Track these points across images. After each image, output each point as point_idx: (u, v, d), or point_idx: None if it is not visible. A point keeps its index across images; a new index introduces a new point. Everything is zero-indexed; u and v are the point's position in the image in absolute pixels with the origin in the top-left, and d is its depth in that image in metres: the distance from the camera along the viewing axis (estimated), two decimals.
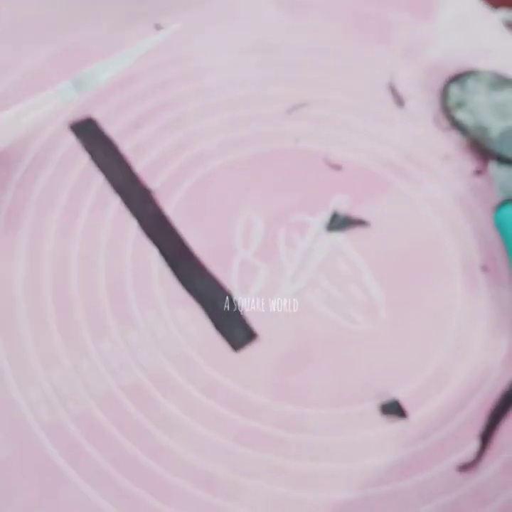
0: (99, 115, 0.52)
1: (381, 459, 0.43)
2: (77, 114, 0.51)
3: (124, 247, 0.47)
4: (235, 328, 0.45)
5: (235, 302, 0.46)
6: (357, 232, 0.50)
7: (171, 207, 0.49)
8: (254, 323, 0.46)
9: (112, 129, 0.51)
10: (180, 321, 0.45)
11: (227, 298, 0.46)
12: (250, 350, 0.45)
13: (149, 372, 0.43)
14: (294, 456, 0.42)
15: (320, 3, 0.60)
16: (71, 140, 0.50)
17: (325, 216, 0.50)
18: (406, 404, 0.44)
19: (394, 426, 0.44)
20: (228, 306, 0.46)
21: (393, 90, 0.56)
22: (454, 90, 0.57)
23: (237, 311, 0.46)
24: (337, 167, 0.52)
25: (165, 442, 0.42)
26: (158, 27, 0.56)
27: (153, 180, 0.50)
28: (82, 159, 0.50)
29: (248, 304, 0.46)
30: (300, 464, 0.42)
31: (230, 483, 0.41)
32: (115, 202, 0.49)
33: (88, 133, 0.51)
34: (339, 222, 0.50)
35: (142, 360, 0.44)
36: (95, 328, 0.44)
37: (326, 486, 0.42)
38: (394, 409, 0.44)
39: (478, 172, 0.53)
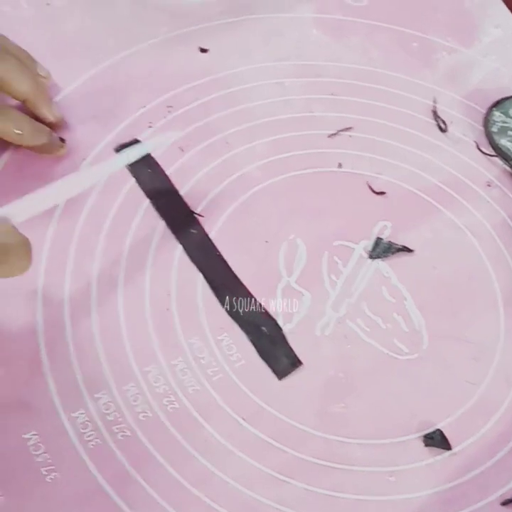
0: (144, 139, 0.52)
1: (424, 491, 0.42)
2: (123, 137, 0.52)
3: (169, 272, 0.47)
4: (279, 356, 0.45)
5: (280, 329, 0.46)
6: (400, 259, 0.49)
7: (214, 231, 0.49)
8: (296, 348, 0.46)
9: (156, 152, 0.51)
10: (224, 348, 0.45)
11: (271, 324, 0.46)
12: (293, 377, 0.45)
13: (193, 398, 0.43)
14: (338, 488, 0.42)
15: (364, 27, 0.60)
16: None
17: (368, 243, 0.50)
18: (450, 436, 0.44)
19: (437, 458, 0.43)
20: (273, 334, 0.46)
21: (436, 115, 0.56)
22: (497, 116, 0.56)
23: (282, 339, 0.46)
24: (380, 193, 0.52)
25: (209, 469, 0.42)
26: (202, 50, 0.57)
27: (197, 204, 0.50)
28: (128, 182, 0.50)
29: (291, 331, 0.46)
30: (344, 495, 0.42)
31: None
32: (160, 226, 0.49)
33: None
34: (382, 250, 0.49)
35: (186, 386, 0.44)
36: (141, 354, 0.44)
37: None
38: (438, 441, 0.44)
39: None
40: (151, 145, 0.48)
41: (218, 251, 0.48)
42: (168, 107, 0.54)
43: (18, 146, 0.50)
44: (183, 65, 0.56)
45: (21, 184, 0.48)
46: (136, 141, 0.51)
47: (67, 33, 0.56)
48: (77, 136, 0.51)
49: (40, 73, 0.51)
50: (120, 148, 0.51)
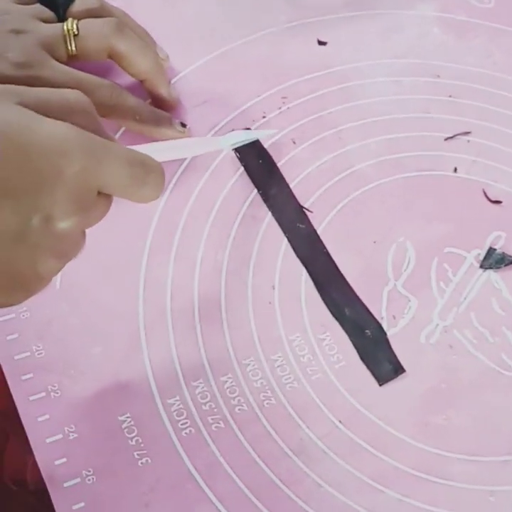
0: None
1: None
2: (234, 125, 0.51)
3: (273, 265, 0.46)
4: (382, 361, 0.44)
5: (384, 333, 0.45)
6: None
7: (322, 227, 0.48)
8: (399, 354, 0.44)
9: (267, 143, 0.50)
10: (325, 347, 0.44)
11: (376, 327, 0.45)
12: (394, 384, 0.43)
13: (290, 396, 0.42)
14: (433, 502, 0.40)
15: (488, 30, 0.58)
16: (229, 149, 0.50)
17: (480, 252, 0.48)
18: None
19: None
20: (376, 337, 0.44)
21: None
22: None
23: (386, 343, 0.44)
24: (496, 201, 0.50)
25: (302, 469, 0.41)
26: (320, 43, 0.55)
27: (306, 199, 0.49)
28: (237, 171, 0.49)
29: (394, 336, 0.45)
30: (439, 510, 0.40)
31: None
32: (267, 217, 0.48)
33: (245, 146, 0.50)
34: (495, 260, 0.47)
35: (284, 383, 0.43)
36: (240, 346, 0.44)
37: None
38: None
39: None
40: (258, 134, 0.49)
41: (325, 247, 0.47)
42: (283, 98, 0.53)
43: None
44: (300, 56, 0.55)
45: None
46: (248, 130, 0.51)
47: (186, 16, 0.55)
48: (190, 120, 0.51)
49: (160, 54, 0.51)
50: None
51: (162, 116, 0.48)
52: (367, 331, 0.44)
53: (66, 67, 0.45)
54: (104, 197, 0.34)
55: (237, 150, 0.50)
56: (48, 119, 0.31)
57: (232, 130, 0.51)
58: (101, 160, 0.32)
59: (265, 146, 0.50)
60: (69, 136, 0.31)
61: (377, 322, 0.45)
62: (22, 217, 0.30)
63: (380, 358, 0.44)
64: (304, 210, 0.48)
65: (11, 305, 0.34)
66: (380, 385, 0.43)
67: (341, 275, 0.46)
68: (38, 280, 0.33)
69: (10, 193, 0.29)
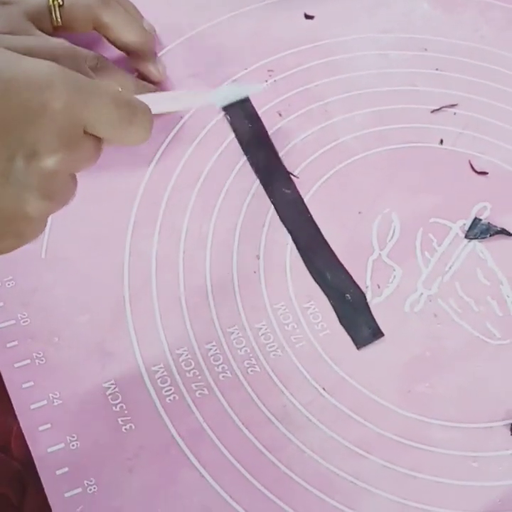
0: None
1: (508, 481, 0.40)
2: None
3: (259, 234, 0.46)
4: (361, 325, 0.44)
5: (364, 298, 0.45)
6: (498, 242, 0.47)
7: (308, 197, 0.48)
8: (383, 323, 0.44)
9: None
10: (309, 316, 0.44)
11: (356, 292, 0.45)
12: (378, 352, 0.44)
13: (274, 364, 0.43)
14: (417, 468, 0.41)
15: (477, 4, 0.58)
16: (219, 116, 0.51)
17: (465, 222, 0.48)
18: None
19: None
20: (356, 301, 0.44)
21: None
22: None
23: (366, 308, 0.44)
24: (482, 173, 0.50)
25: (286, 436, 0.41)
26: (307, 17, 0.55)
27: (291, 170, 0.49)
28: (227, 138, 0.49)
29: (379, 305, 0.45)
30: (423, 476, 0.40)
31: (349, 487, 0.40)
32: (254, 186, 0.48)
33: (236, 108, 0.50)
34: (480, 231, 0.47)
35: (268, 351, 0.43)
36: (225, 314, 0.44)
37: (447, 504, 0.40)
38: None
39: None
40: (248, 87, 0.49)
41: (309, 213, 0.47)
42: (269, 71, 0.53)
43: None
44: (288, 30, 0.55)
45: None
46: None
47: None
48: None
49: (146, 27, 0.51)
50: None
51: (148, 89, 0.49)
52: (347, 295, 0.45)
53: (51, 38, 0.45)
54: (92, 138, 0.33)
55: (228, 113, 0.50)
56: (33, 58, 0.31)
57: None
58: (86, 96, 0.31)
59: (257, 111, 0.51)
60: (53, 71, 0.31)
61: (358, 287, 0.45)
62: (6, 153, 0.30)
63: (359, 322, 0.44)
64: (291, 175, 0.48)
65: (2, 253, 0.33)
66: (358, 349, 0.43)
67: (324, 241, 0.46)
68: (27, 222, 0.32)
69: None
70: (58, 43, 0.33)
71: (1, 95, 0.29)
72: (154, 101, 0.37)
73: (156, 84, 0.50)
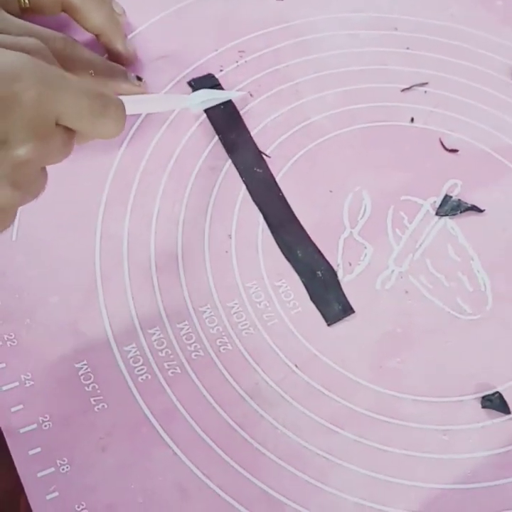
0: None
1: (479, 453, 0.41)
2: (193, 77, 0.51)
3: (230, 214, 0.46)
4: (331, 301, 0.44)
5: (335, 275, 0.45)
6: (469, 218, 0.48)
7: (279, 176, 0.48)
8: (355, 300, 0.44)
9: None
10: (281, 294, 0.44)
11: (327, 269, 0.45)
12: (349, 328, 0.44)
13: (247, 342, 0.43)
14: (388, 442, 0.41)
15: None
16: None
17: (436, 200, 0.48)
18: (509, 400, 0.42)
19: (495, 421, 0.42)
20: (327, 278, 0.45)
21: None
22: None
23: (336, 284, 0.45)
24: (453, 150, 0.50)
25: (258, 413, 0.41)
26: None
27: (263, 149, 0.49)
28: (198, 119, 0.50)
29: (350, 282, 0.45)
30: (393, 450, 0.41)
31: (321, 462, 0.40)
32: (226, 166, 0.48)
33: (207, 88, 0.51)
34: (451, 207, 0.48)
35: (241, 329, 0.43)
36: (197, 293, 0.44)
37: (418, 476, 0.40)
38: (496, 404, 0.42)
39: None
40: (226, 94, 0.50)
41: (281, 191, 0.47)
42: (240, 51, 0.53)
43: None
44: (258, 11, 0.55)
45: None
46: (210, 76, 0.51)
47: None
48: (147, 75, 0.51)
49: (115, 9, 0.50)
50: (194, 82, 0.51)
51: (117, 70, 0.48)
52: (318, 272, 0.45)
53: (19, 20, 0.44)
54: (65, 130, 0.34)
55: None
56: (4, 50, 0.31)
57: (194, 79, 0.51)
58: (57, 87, 0.32)
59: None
60: (25, 62, 0.31)
61: (329, 264, 0.45)
62: None
63: (329, 298, 0.44)
64: (263, 155, 0.48)
65: None
66: (329, 325, 0.44)
67: (295, 218, 0.46)
68: None
69: None
70: (29, 41, 0.33)
71: None
72: (130, 101, 0.37)
73: (127, 66, 0.50)
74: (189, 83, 0.51)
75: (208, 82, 0.51)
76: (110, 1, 0.50)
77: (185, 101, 0.48)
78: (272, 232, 0.46)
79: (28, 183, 0.33)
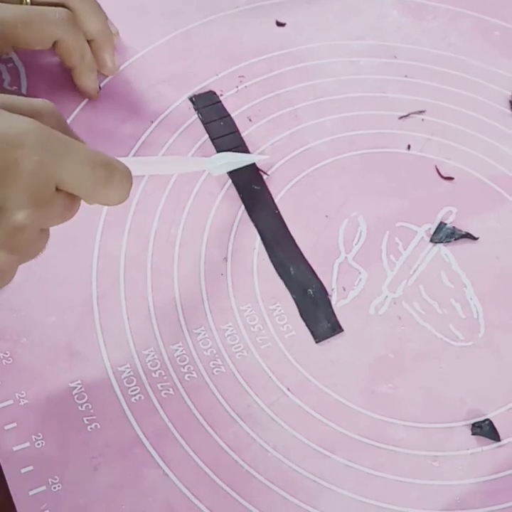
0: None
1: (468, 480, 0.41)
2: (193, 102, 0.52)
3: (226, 237, 0.47)
4: (320, 319, 0.45)
5: (326, 293, 0.45)
6: (463, 246, 0.48)
7: (276, 199, 0.49)
8: (348, 325, 0.45)
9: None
10: (275, 317, 0.45)
11: (318, 288, 0.46)
12: (342, 353, 0.44)
13: (240, 364, 0.43)
14: (378, 467, 0.41)
15: (445, 12, 0.59)
16: (191, 120, 0.51)
17: (431, 227, 0.49)
18: (499, 427, 0.43)
19: (484, 448, 0.42)
20: (317, 296, 0.45)
21: None
22: None
23: (327, 303, 0.45)
24: (448, 178, 0.51)
25: (250, 435, 0.41)
26: (279, 24, 0.56)
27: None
28: (194, 143, 0.50)
29: (344, 307, 0.45)
30: (385, 475, 0.41)
31: (312, 486, 0.40)
32: (222, 192, 0.48)
33: (208, 109, 0.52)
34: (445, 235, 0.48)
35: (234, 352, 0.43)
36: (191, 315, 0.44)
37: (408, 502, 0.40)
38: (486, 431, 0.42)
39: None
40: (248, 157, 0.49)
41: (277, 208, 0.48)
42: (240, 76, 0.54)
43: (89, 103, 0.50)
44: (259, 37, 0.56)
45: (86, 140, 0.48)
46: (212, 93, 0.52)
47: None
48: (148, 98, 0.52)
49: (111, 28, 0.51)
50: (195, 98, 0.52)
51: (95, 68, 0.50)
52: (309, 290, 0.45)
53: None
54: (66, 195, 0.33)
55: (198, 112, 0.51)
56: (11, 113, 0.31)
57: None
58: (60, 155, 0.31)
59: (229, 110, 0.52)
60: (28, 128, 0.31)
61: (320, 282, 0.46)
62: None
63: (319, 316, 0.45)
64: (261, 172, 0.49)
65: None
66: (317, 342, 0.44)
67: (290, 236, 0.47)
68: None
69: None
70: (41, 102, 0.33)
71: None
72: (147, 163, 0.37)
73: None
74: (190, 99, 0.52)
75: (208, 99, 0.52)
76: (106, 15, 0.51)
77: (205, 164, 0.47)
78: (266, 247, 0.47)
79: (26, 246, 0.33)
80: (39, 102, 0.33)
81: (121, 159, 0.35)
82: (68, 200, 0.34)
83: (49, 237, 0.35)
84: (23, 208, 0.31)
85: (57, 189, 0.32)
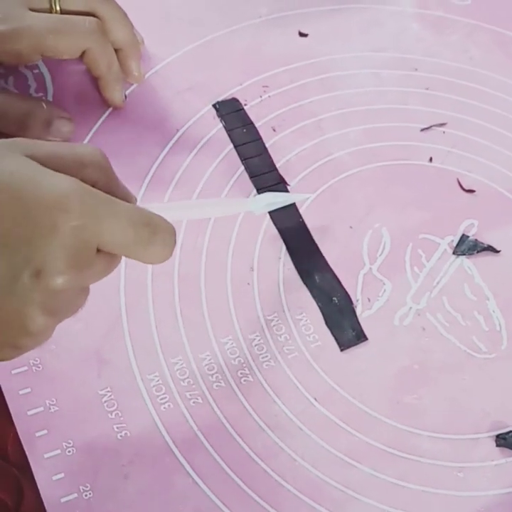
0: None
1: (492, 491, 0.42)
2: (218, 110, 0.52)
3: (252, 247, 0.47)
4: (345, 327, 0.45)
5: (350, 302, 0.46)
6: (485, 258, 0.49)
7: (301, 210, 0.49)
8: (373, 335, 0.45)
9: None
10: (301, 327, 0.45)
11: (343, 296, 0.46)
12: (367, 362, 0.45)
13: (267, 374, 0.44)
14: (404, 477, 0.42)
15: (465, 26, 0.59)
16: (216, 128, 0.52)
17: (454, 239, 0.49)
18: None
19: (509, 459, 0.43)
20: (342, 305, 0.46)
21: None
22: None
23: (351, 311, 0.46)
24: (470, 191, 0.51)
25: (278, 445, 0.42)
26: (302, 34, 0.57)
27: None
28: (226, 148, 0.51)
29: (369, 318, 0.46)
30: (410, 485, 0.41)
31: (339, 495, 0.41)
32: (251, 195, 0.49)
33: (232, 118, 0.52)
34: (467, 247, 0.49)
35: (262, 361, 0.44)
36: (219, 325, 0.45)
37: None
38: (510, 442, 0.43)
39: None
40: (291, 197, 0.48)
41: (301, 217, 0.49)
42: (264, 86, 0.54)
43: (115, 110, 0.51)
44: (282, 47, 0.56)
45: (111, 148, 0.48)
46: (235, 100, 0.53)
47: (173, 5, 0.57)
48: (173, 106, 0.52)
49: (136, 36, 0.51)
50: (218, 104, 0.53)
51: (121, 79, 0.50)
52: (334, 298, 0.46)
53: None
54: (106, 255, 0.33)
55: (222, 118, 0.52)
56: (52, 172, 0.30)
57: (219, 102, 0.53)
58: (101, 218, 0.31)
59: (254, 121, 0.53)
60: (70, 191, 0.30)
61: (345, 291, 0.46)
62: (13, 269, 0.30)
63: (344, 324, 0.45)
64: (285, 184, 0.50)
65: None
66: (342, 350, 0.45)
67: (315, 245, 0.48)
68: (27, 336, 0.32)
69: (4, 243, 0.29)
70: (88, 151, 0.33)
71: (14, 211, 0.29)
72: (191, 207, 0.37)
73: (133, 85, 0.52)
74: (214, 105, 0.53)
75: (232, 106, 0.53)
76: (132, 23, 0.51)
77: (247, 205, 0.46)
78: (291, 255, 0.47)
79: (63, 308, 0.33)
80: (84, 151, 0.33)
81: (166, 206, 0.35)
82: (109, 259, 0.33)
83: (89, 293, 0.34)
84: (62, 271, 0.30)
85: (98, 250, 0.32)
